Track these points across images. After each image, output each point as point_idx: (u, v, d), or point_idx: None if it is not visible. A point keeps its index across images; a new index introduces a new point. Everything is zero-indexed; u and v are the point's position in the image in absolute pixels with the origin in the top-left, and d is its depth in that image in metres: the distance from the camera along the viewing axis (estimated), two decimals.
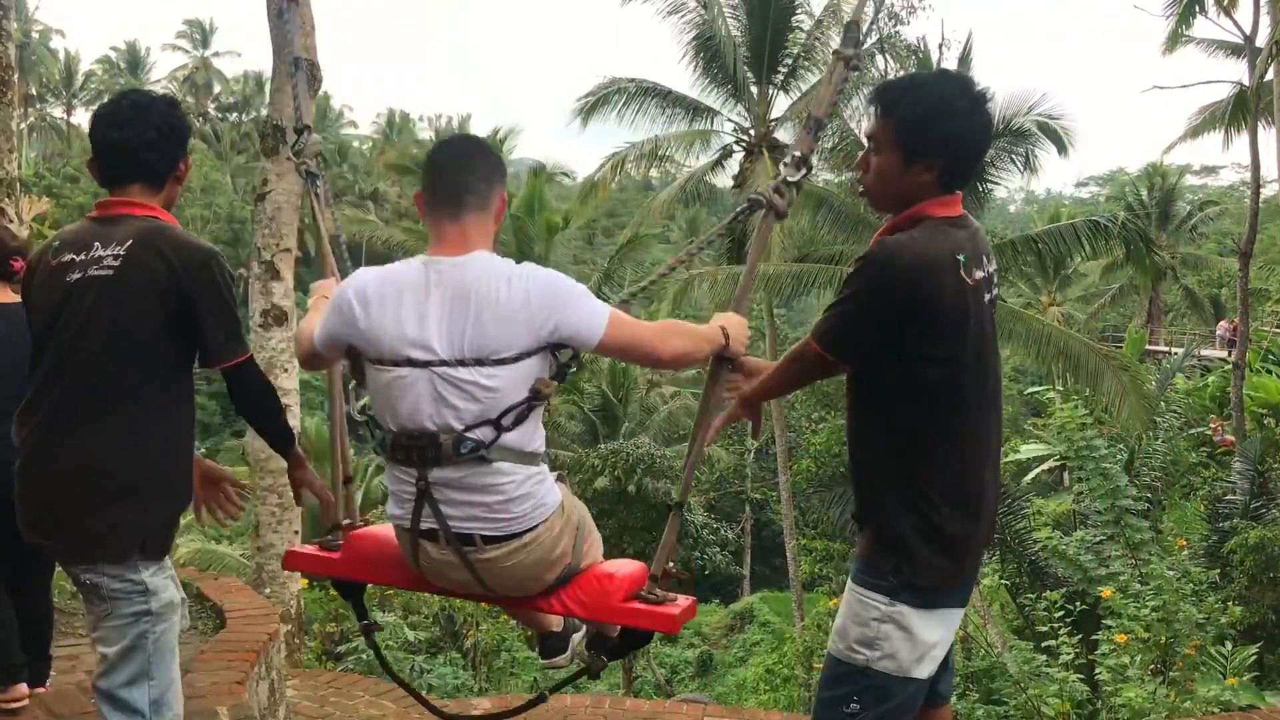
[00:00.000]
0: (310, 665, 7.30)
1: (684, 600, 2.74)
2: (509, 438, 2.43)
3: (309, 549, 3.10)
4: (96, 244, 2.82)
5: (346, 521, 3.07)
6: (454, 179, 2.53)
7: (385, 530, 2.87)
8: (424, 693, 5.74)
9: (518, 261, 2.49)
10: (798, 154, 2.85)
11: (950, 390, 2.56)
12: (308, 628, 8.09)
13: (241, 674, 4.49)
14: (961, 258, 2.54)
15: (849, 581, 2.70)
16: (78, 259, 2.82)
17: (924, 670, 2.62)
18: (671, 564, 2.79)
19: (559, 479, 2.73)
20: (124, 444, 2.79)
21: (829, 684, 2.69)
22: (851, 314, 2.59)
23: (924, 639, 2.60)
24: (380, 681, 5.54)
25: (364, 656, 7.16)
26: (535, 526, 2.52)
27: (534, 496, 2.51)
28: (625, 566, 2.81)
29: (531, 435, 2.49)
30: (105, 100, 3.13)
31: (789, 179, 2.83)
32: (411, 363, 2.40)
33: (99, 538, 2.78)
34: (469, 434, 2.40)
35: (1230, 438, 19.66)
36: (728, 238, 24.09)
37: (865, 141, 2.75)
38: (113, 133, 2.93)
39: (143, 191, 2.96)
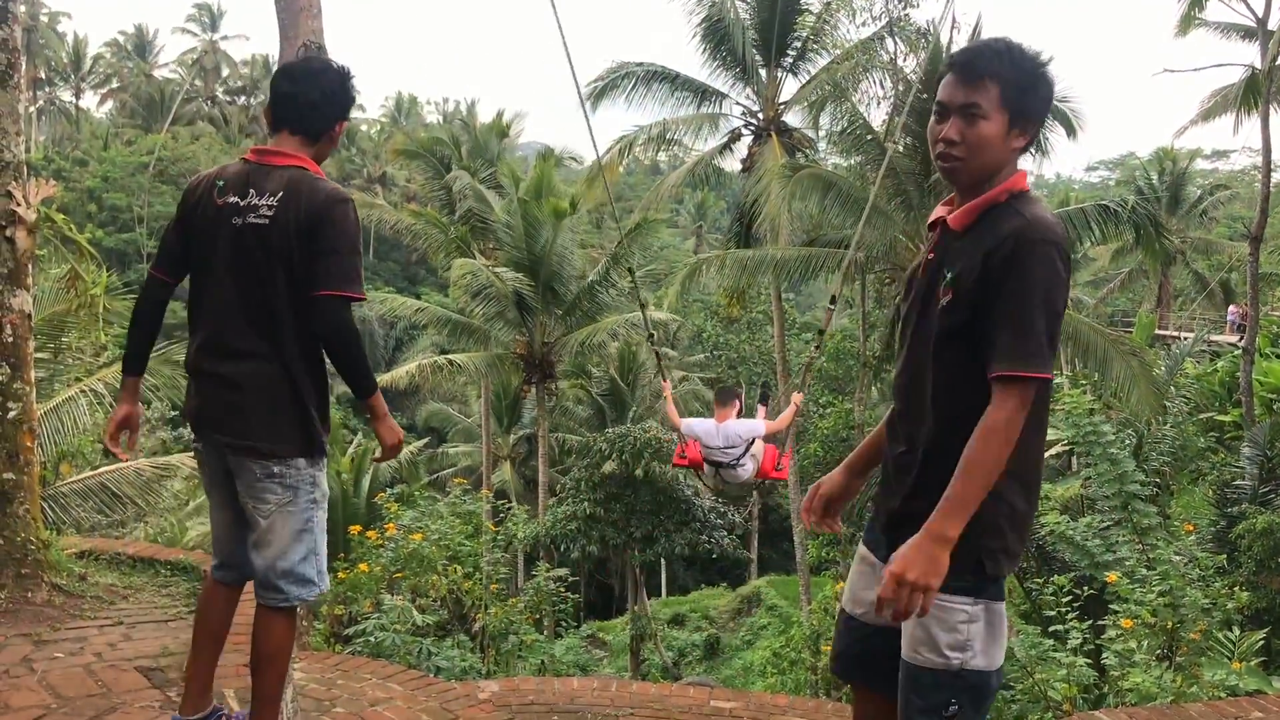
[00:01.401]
0: (318, 647, 7.32)
1: (786, 464, 8.33)
2: (742, 460, 7.78)
3: (678, 460, 8.32)
4: (252, 191, 3.26)
5: (685, 449, 8.15)
6: (723, 400, 8.05)
7: (698, 451, 7.96)
8: (431, 675, 5.76)
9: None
10: (820, 330, 7.83)
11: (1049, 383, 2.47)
12: (315, 610, 8.12)
13: (248, 656, 4.51)
14: None
15: None
16: (241, 204, 3.26)
17: (1003, 655, 2.60)
18: (781, 454, 8.25)
19: (752, 456, 7.78)
20: (300, 362, 3.29)
21: (922, 693, 2.57)
22: (1054, 315, 2.39)
23: (1003, 630, 2.57)
24: (388, 664, 5.55)
25: (371, 639, 7.18)
26: (747, 477, 7.91)
27: (747, 471, 7.86)
28: (769, 456, 7.98)
29: (746, 457, 7.78)
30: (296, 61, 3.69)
31: (815, 357, 8.57)
32: (713, 449, 7.84)
33: (295, 440, 3.31)
34: (730, 460, 7.80)
35: None
36: (736, 222, 24.11)
37: (946, 111, 2.54)
38: (285, 85, 3.42)
39: (299, 144, 3.38)
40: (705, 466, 7.88)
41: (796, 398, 8.02)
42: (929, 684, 2.55)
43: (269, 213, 3.22)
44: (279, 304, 3.25)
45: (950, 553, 2.39)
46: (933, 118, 2.59)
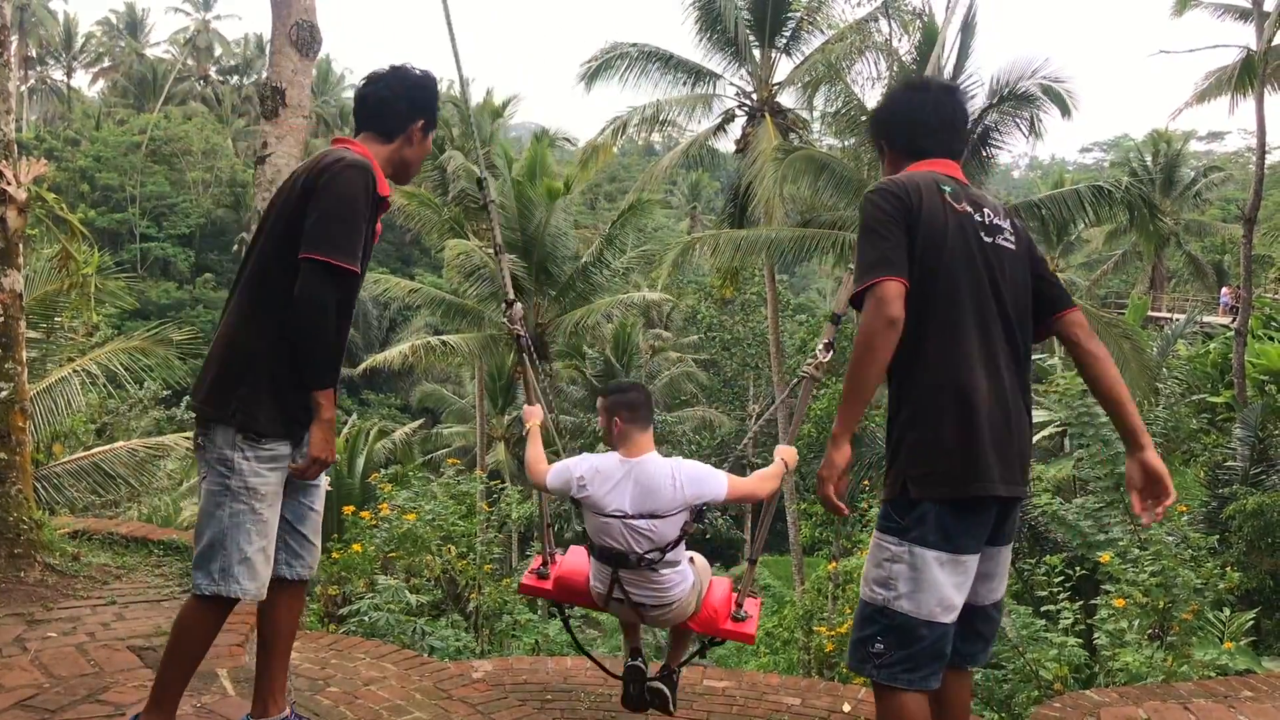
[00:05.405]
0: (312, 627, 7.34)
1: (754, 612, 4.33)
2: (668, 557, 3.83)
3: (531, 580, 4.49)
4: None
5: (552, 557, 4.53)
6: (639, 412, 3.92)
7: (575, 564, 4.33)
8: (425, 655, 5.78)
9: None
10: (826, 341, 3.85)
11: (946, 304, 2.77)
12: (310, 590, 8.13)
13: (242, 636, 4.52)
14: (947, 188, 2.86)
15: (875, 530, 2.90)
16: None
17: (946, 616, 2.76)
18: (747, 594, 4.37)
19: (690, 559, 4.10)
20: (248, 324, 3.08)
21: (858, 625, 2.88)
22: (878, 233, 2.78)
23: (933, 579, 2.73)
24: (382, 644, 5.56)
25: (365, 619, 7.19)
26: (679, 598, 3.97)
27: (680, 583, 3.96)
28: (721, 593, 4.32)
29: (679, 553, 3.92)
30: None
31: (821, 360, 3.93)
32: (612, 516, 3.81)
33: (224, 403, 3.04)
34: (646, 555, 3.81)
35: None
36: (730, 202, 24.06)
37: None
38: (362, 88, 3.44)
39: (368, 138, 3.39)
40: (591, 569, 4.10)
41: (788, 454, 4.19)
42: (862, 615, 2.88)
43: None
44: (264, 263, 3.11)
45: (888, 488, 2.83)
46: None
